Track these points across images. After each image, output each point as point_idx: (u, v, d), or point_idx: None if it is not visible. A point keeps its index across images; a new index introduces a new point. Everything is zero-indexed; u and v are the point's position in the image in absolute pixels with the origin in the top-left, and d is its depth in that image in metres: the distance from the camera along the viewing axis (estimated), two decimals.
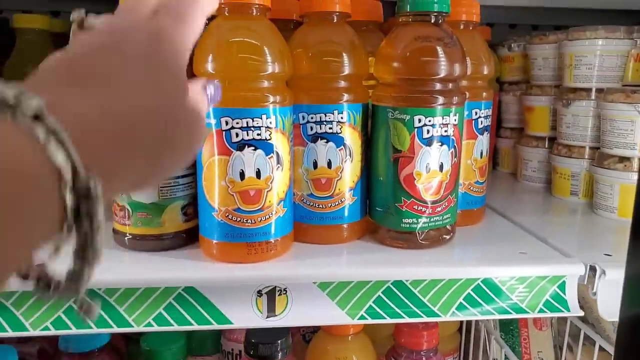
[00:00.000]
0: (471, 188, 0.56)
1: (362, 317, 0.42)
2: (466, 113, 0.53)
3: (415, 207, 0.47)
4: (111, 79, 0.22)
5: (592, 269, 0.44)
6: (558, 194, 0.72)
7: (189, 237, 0.48)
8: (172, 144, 0.25)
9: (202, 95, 0.30)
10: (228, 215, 0.43)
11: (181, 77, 0.26)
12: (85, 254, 0.21)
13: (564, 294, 0.44)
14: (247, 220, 0.43)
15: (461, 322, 0.74)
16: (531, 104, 0.79)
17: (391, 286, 0.43)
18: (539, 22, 1.03)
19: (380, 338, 0.67)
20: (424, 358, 0.57)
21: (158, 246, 0.46)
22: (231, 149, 0.42)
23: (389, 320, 0.42)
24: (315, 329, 0.69)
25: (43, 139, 0.17)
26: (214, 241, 0.44)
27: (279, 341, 0.51)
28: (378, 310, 0.42)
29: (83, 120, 0.20)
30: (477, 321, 0.69)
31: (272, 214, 0.44)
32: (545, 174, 0.78)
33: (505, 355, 0.61)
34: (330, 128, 0.47)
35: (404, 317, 0.42)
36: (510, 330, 0.71)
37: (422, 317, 0.42)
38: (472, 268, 0.44)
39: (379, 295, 0.43)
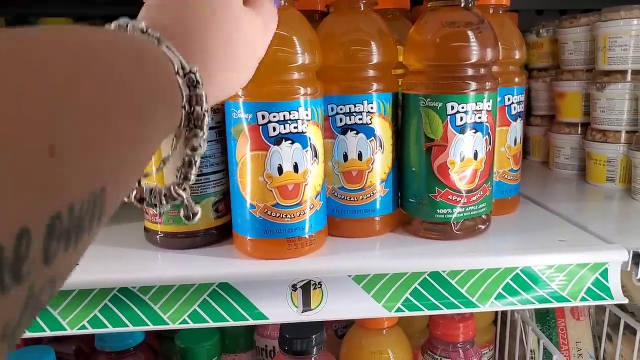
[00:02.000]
0: (505, 176, 0.54)
1: (398, 310, 0.41)
2: (499, 99, 0.52)
3: (450, 196, 0.46)
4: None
5: (636, 255, 0.43)
6: (593, 180, 0.70)
7: (220, 234, 0.48)
8: (236, 46, 0.30)
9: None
10: (267, 211, 0.42)
11: None
12: (195, 141, 0.26)
13: (607, 281, 0.43)
14: (286, 216, 0.42)
15: (496, 313, 0.72)
16: (563, 89, 0.77)
17: (428, 277, 0.42)
18: (566, 7, 1.01)
19: (415, 331, 0.66)
20: (460, 350, 0.56)
21: (190, 243, 0.46)
22: (269, 143, 0.41)
23: (426, 312, 0.41)
24: (347, 324, 0.68)
25: (156, 43, 0.24)
26: (250, 238, 0.43)
27: (314, 336, 0.51)
28: (415, 302, 0.42)
29: (172, 33, 0.26)
30: (512, 312, 0.68)
31: (309, 208, 0.43)
32: (578, 161, 0.76)
33: (543, 346, 0.59)
34: (360, 119, 0.46)
35: (441, 309, 0.41)
36: (547, 320, 0.70)
37: (460, 307, 0.42)
38: (510, 257, 0.42)
39: (416, 287, 0.42)
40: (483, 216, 0.48)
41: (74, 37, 0.18)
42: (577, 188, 0.69)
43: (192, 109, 0.25)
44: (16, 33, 0.15)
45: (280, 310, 0.41)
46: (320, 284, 0.42)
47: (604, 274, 0.43)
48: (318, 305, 0.42)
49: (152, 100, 0.21)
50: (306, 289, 0.41)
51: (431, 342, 0.58)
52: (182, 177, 0.26)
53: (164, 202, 0.27)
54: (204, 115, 0.25)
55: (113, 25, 0.25)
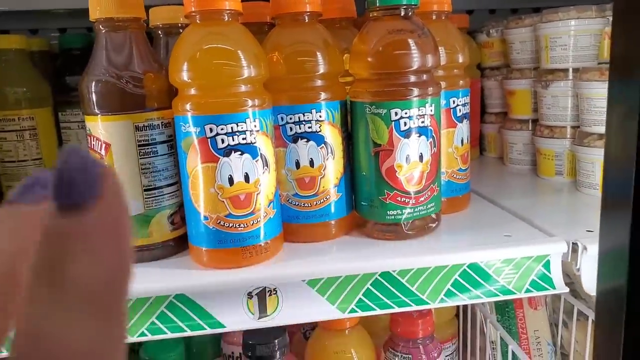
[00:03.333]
0: (454, 176, 0.56)
1: (352, 311, 0.43)
2: (444, 102, 0.54)
3: (399, 198, 0.48)
4: None
5: (575, 246, 0.45)
6: (543, 174, 0.72)
7: (177, 245, 0.48)
8: None
9: None
10: (219, 222, 0.43)
11: None
12: None
13: (549, 273, 0.45)
14: (239, 225, 0.43)
15: (458, 308, 0.74)
16: (512, 87, 0.80)
17: (379, 278, 0.43)
18: (518, 6, 1.04)
19: (377, 330, 0.67)
20: (420, 346, 0.58)
21: (147, 257, 0.47)
22: (218, 155, 0.42)
23: (379, 312, 0.43)
24: (314, 326, 0.70)
25: None
26: (205, 248, 0.44)
27: (276, 341, 0.52)
28: (368, 302, 0.43)
29: None
30: (473, 306, 0.70)
31: (262, 216, 0.44)
32: (530, 156, 0.79)
33: (500, 337, 0.62)
34: (309, 127, 0.47)
35: (393, 307, 0.43)
36: (506, 312, 0.72)
37: (411, 305, 0.43)
38: (457, 254, 0.44)
39: (368, 288, 0.43)
40: (432, 215, 0.50)
41: None
42: (529, 183, 0.72)
43: None
44: None
45: (237, 318, 0.42)
46: (276, 290, 0.43)
47: (547, 265, 0.45)
48: (274, 311, 0.43)
49: None
50: (262, 296, 0.43)
51: (392, 339, 0.59)
52: None
53: None
54: None
55: None
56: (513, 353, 0.57)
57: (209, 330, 0.41)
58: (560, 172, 0.70)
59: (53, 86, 0.74)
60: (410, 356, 0.57)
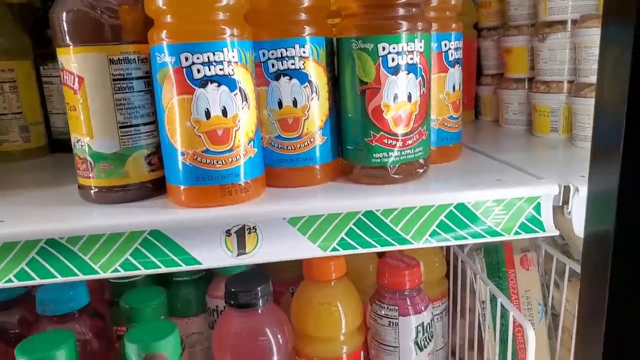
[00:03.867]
0: (445, 124, 0.55)
1: (334, 249, 0.41)
2: (435, 45, 0.52)
3: (385, 140, 0.46)
4: None
5: (567, 189, 0.43)
6: (539, 132, 0.71)
7: (156, 188, 0.47)
8: None
9: None
10: (196, 158, 0.41)
11: None
12: None
13: (540, 215, 0.43)
14: (217, 162, 0.42)
15: (448, 267, 0.73)
16: (509, 45, 0.78)
17: (362, 217, 0.42)
18: None
19: (365, 287, 0.66)
20: (407, 298, 0.56)
21: (124, 197, 0.45)
22: (193, 86, 0.40)
23: (360, 250, 0.41)
24: None
25: None
26: (183, 187, 0.42)
27: (259, 288, 0.50)
28: (350, 241, 0.42)
29: None
30: (463, 264, 0.69)
31: (242, 154, 0.42)
32: (526, 115, 0.77)
33: (490, 293, 0.60)
34: (292, 64, 0.45)
35: (375, 246, 0.41)
36: (497, 272, 0.71)
37: (394, 245, 0.42)
38: (444, 194, 0.43)
39: (351, 227, 0.42)
40: (420, 160, 0.48)
41: None
42: (524, 140, 0.70)
43: None
44: None
45: (214, 255, 0.40)
46: (255, 228, 0.41)
47: (537, 208, 0.44)
48: (253, 249, 0.41)
49: None
50: (240, 234, 0.41)
51: (379, 291, 0.58)
52: None
53: None
54: None
55: None
56: (502, 307, 0.56)
57: (184, 267, 0.40)
58: (556, 129, 0.68)
59: (34, 40, 0.72)
60: (396, 307, 0.56)
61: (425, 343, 0.57)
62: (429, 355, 0.58)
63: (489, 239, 0.42)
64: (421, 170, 0.48)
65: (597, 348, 0.31)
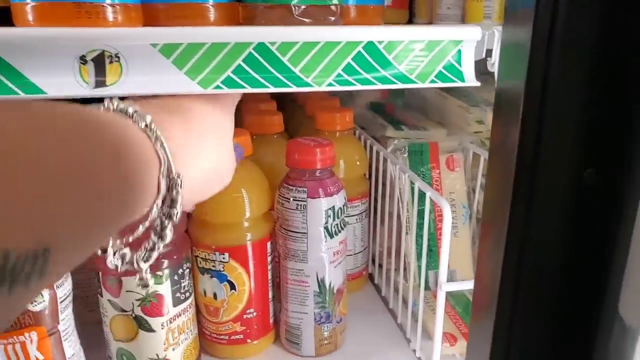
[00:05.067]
0: None
1: (217, 87, 0.34)
2: None
3: None
4: (186, 113, 0.31)
5: (491, 35, 0.38)
6: (472, 20, 0.65)
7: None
8: (218, 176, 0.34)
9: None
10: None
11: (230, 122, 0.35)
12: (162, 232, 0.28)
13: (459, 65, 0.38)
14: None
15: (370, 167, 0.68)
16: None
17: (253, 52, 0.35)
18: None
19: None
20: (317, 179, 0.51)
21: None
22: None
23: (249, 90, 0.35)
24: None
25: (153, 138, 0.26)
26: (30, 3, 0.34)
27: None
28: (237, 79, 0.35)
29: (171, 136, 0.27)
30: (385, 161, 0.64)
31: None
32: (460, 10, 0.71)
33: (418, 190, 0.56)
34: None
35: (267, 87, 0.35)
36: (421, 172, 0.66)
37: (290, 86, 0.35)
38: (353, 30, 0.36)
39: (239, 64, 0.35)
40: (332, 7, 0.41)
41: (63, 113, 0.20)
42: None
43: (165, 207, 0.27)
44: None
45: (63, 82, 0.32)
46: (119, 57, 0.33)
47: (458, 56, 0.38)
48: (115, 82, 0.34)
49: (128, 184, 0.23)
50: (99, 62, 0.33)
51: (288, 174, 0.52)
52: (145, 256, 0.29)
53: (125, 265, 0.29)
54: (176, 215, 0.27)
55: (115, 105, 0.27)
56: (431, 200, 0.52)
57: (22, 95, 0.32)
58: (489, 16, 0.63)
59: None
60: (305, 189, 0.50)
61: (337, 230, 0.52)
62: (340, 243, 0.53)
63: (402, 86, 0.37)
64: (333, 19, 0.42)
65: (508, 183, 0.27)
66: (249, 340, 0.56)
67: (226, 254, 0.51)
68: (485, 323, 0.30)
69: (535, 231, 0.28)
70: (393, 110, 0.84)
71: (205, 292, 0.53)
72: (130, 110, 0.26)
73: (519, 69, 0.25)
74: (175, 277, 0.48)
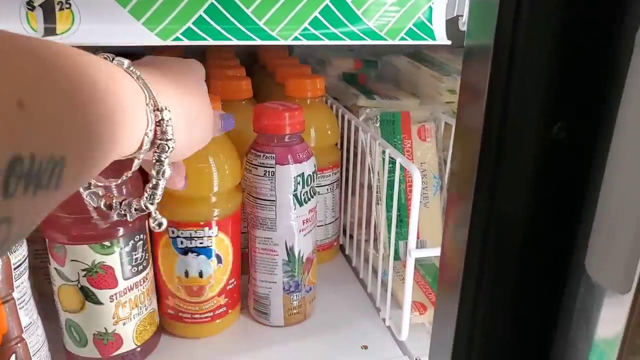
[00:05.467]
0: None
1: (177, 39, 0.33)
2: None
3: None
4: (164, 68, 0.32)
5: None
6: None
7: None
8: (199, 123, 0.34)
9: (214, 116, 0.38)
10: None
11: (205, 86, 0.35)
12: (160, 168, 0.30)
13: (430, 23, 0.37)
14: None
15: (342, 137, 0.67)
16: None
17: (215, 2, 0.33)
18: None
19: None
20: (286, 146, 0.49)
21: None
22: None
23: (211, 42, 0.33)
24: None
25: (135, 77, 0.28)
26: None
27: None
28: (198, 31, 0.33)
29: (152, 78, 0.29)
30: (357, 131, 0.63)
31: None
32: None
33: (388, 157, 0.55)
34: None
35: (230, 39, 0.33)
36: (393, 142, 0.66)
37: (254, 39, 0.34)
38: None
39: (200, 15, 0.33)
40: None
41: (61, 47, 0.22)
42: None
43: (158, 140, 0.29)
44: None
45: (9, 29, 0.30)
46: (69, 4, 0.31)
47: (429, 13, 0.37)
48: (67, 30, 0.32)
49: (120, 112, 0.25)
50: (49, 8, 0.31)
51: (256, 140, 0.51)
52: (150, 196, 0.31)
53: (133, 212, 0.32)
54: (168, 146, 0.29)
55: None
56: (392, 158, 0.51)
57: None
58: None
59: None
60: (273, 155, 0.49)
61: (306, 198, 0.51)
62: (310, 211, 0.52)
63: (370, 42, 0.35)
64: None
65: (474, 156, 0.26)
66: (230, 311, 0.55)
67: (215, 228, 0.50)
68: (451, 289, 0.29)
69: (502, 188, 0.27)
70: (366, 81, 0.83)
71: (187, 272, 0.51)
72: (110, 56, 0.28)
73: (488, 24, 0.24)
74: (127, 248, 0.46)
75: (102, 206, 0.33)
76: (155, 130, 0.29)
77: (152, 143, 0.29)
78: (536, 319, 0.31)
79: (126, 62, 0.28)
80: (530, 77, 0.24)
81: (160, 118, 0.29)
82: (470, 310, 0.30)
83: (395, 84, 0.82)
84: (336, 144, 0.68)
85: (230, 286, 0.54)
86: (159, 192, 0.31)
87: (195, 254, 0.50)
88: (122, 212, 0.32)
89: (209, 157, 0.48)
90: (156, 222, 0.33)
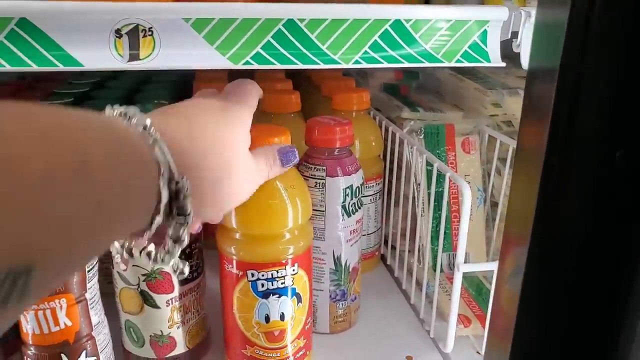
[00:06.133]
0: None
1: (247, 63, 0.35)
2: None
3: None
4: (192, 119, 0.30)
5: (517, 15, 0.38)
6: (491, 4, 0.65)
7: None
8: (228, 179, 0.31)
9: (267, 156, 0.36)
10: None
11: (242, 133, 0.33)
12: (178, 238, 0.28)
13: (485, 45, 0.38)
14: None
15: (385, 147, 0.69)
16: None
17: (283, 28, 0.35)
18: None
19: None
20: (336, 159, 0.51)
21: None
22: None
23: (278, 66, 0.35)
24: None
25: (150, 142, 0.25)
26: None
27: None
28: (266, 55, 0.35)
29: (174, 138, 0.26)
30: (401, 143, 0.64)
31: None
32: None
33: (427, 160, 0.56)
34: None
35: (296, 63, 0.35)
36: (437, 154, 0.67)
37: (318, 63, 0.36)
38: (382, 8, 0.37)
39: (269, 40, 0.35)
40: None
41: (43, 116, 0.18)
42: None
43: (173, 212, 0.26)
44: None
45: (99, 56, 0.33)
46: (152, 31, 0.34)
47: (484, 36, 0.38)
48: (148, 56, 0.34)
49: (121, 197, 0.21)
50: (134, 36, 0.34)
51: (306, 153, 0.53)
52: (167, 253, 0.29)
53: (152, 263, 0.30)
54: (186, 221, 0.27)
55: (117, 111, 0.26)
56: (438, 171, 0.52)
57: (61, 67, 0.32)
58: None
59: None
60: (324, 167, 0.51)
61: (354, 209, 0.53)
62: (357, 222, 0.54)
63: (427, 64, 0.37)
64: None
65: (534, 180, 0.26)
66: (307, 353, 0.51)
67: (296, 264, 0.46)
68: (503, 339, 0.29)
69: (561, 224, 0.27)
70: (407, 92, 0.84)
71: (267, 317, 0.46)
72: (131, 112, 0.25)
73: (553, 49, 0.25)
74: (182, 256, 0.48)
75: (124, 253, 0.31)
76: (171, 205, 0.26)
77: (167, 215, 0.26)
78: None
79: (148, 121, 0.25)
80: (595, 103, 0.25)
81: (177, 189, 0.25)
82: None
83: (437, 96, 0.83)
84: (379, 155, 0.69)
85: (307, 326, 0.50)
86: (177, 252, 0.29)
87: (276, 295, 0.45)
88: (142, 260, 0.30)
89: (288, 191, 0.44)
90: (177, 271, 0.31)
